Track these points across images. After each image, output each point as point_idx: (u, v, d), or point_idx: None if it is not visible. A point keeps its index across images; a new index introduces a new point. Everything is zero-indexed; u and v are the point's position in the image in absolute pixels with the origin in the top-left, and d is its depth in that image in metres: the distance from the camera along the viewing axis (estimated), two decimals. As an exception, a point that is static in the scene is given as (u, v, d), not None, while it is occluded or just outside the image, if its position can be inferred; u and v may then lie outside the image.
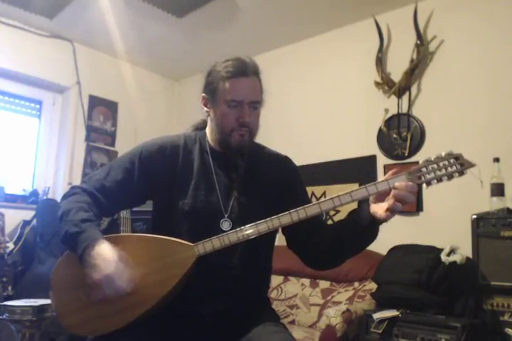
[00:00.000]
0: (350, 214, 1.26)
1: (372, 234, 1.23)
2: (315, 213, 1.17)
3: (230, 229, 1.27)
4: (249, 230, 1.18)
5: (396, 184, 1.12)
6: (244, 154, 1.40)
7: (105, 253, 1.15)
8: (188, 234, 1.29)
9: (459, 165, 1.11)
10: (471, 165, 1.11)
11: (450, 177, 1.11)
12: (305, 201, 1.38)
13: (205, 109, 1.40)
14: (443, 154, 1.13)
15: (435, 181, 1.12)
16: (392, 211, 1.13)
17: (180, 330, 1.27)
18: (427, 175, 1.12)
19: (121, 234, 2.83)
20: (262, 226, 1.18)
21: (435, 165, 1.12)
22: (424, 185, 1.13)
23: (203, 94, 1.39)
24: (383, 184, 1.13)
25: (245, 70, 1.32)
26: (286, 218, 1.17)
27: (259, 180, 1.39)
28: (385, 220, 1.16)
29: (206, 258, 1.21)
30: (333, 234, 1.29)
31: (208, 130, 1.43)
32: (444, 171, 1.12)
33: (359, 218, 1.21)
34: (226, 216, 1.32)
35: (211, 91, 1.35)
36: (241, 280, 1.30)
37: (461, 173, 1.11)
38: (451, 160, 1.12)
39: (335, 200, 1.14)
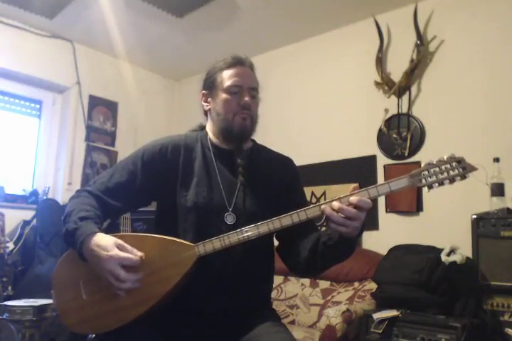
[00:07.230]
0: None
1: (345, 248, 1.22)
2: (316, 215, 1.16)
3: (235, 223, 1.29)
4: (249, 231, 1.18)
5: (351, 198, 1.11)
6: (247, 140, 1.42)
7: (102, 242, 1.17)
8: (192, 229, 1.30)
9: (461, 168, 1.11)
10: (473, 168, 1.11)
11: (452, 180, 1.11)
12: (302, 204, 1.38)
13: (205, 104, 1.43)
14: (445, 157, 1.13)
15: (437, 184, 1.12)
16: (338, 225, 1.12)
17: (181, 329, 1.27)
18: (429, 178, 1.12)
19: (123, 233, 2.83)
20: (263, 227, 1.18)
21: (437, 169, 1.12)
22: (425, 188, 1.12)
23: (203, 91, 1.44)
24: (384, 187, 1.12)
25: (242, 60, 1.40)
26: (286, 219, 1.17)
27: (261, 177, 1.41)
28: (348, 234, 1.13)
29: (207, 257, 1.21)
30: (311, 244, 1.28)
31: (208, 126, 1.46)
32: (445, 174, 1.11)
33: (332, 231, 1.20)
34: (230, 210, 1.33)
35: (210, 85, 1.40)
36: (241, 279, 1.30)
37: (463, 177, 1.11)
38: (454, 164, 1.11)
39: (336, 202, 1.14)
